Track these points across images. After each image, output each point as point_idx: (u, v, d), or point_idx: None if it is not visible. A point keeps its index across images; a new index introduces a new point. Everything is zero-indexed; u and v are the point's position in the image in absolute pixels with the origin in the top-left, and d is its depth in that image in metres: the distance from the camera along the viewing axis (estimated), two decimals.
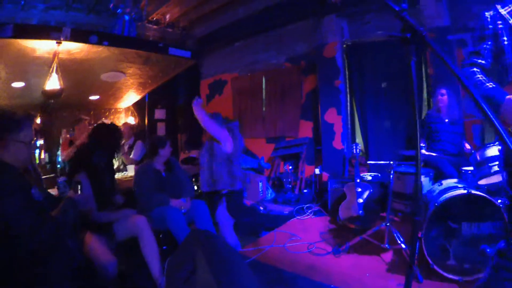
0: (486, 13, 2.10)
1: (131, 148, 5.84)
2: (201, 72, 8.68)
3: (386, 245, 3.50)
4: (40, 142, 6.42)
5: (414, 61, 1.42)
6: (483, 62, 2.14)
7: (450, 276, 2.86)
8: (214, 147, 4.07)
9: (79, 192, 2.40)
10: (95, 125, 3.69)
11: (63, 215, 2.22)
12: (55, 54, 5.08)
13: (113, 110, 8.36)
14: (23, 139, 2.10)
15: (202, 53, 8.09)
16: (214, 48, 8.14)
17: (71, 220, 2.31)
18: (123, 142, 5.72)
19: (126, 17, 5.15)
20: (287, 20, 6.72)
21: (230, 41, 7.85)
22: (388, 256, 3.55)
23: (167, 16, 6.88)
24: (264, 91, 7.28)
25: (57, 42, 4.88)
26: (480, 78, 2.09)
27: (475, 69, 2.15)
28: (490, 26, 2.08)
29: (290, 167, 6.31)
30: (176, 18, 7.03)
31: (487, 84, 2.03)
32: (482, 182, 3.23)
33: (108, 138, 3.31)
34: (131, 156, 5.61)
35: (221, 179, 3.99)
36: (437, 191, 3.48)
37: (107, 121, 7.45)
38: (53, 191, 3.68)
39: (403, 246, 3.35)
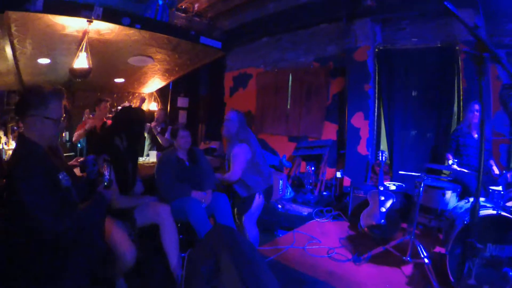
0: None
1: (163, 130, 5.88)
2: (226, 64, 8.56)
3: (408, 258, 3.39)
4: None
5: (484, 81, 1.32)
6: None
7: None
8: None
9: (107, 171, 2.31)
10: (119, 107, 3.60)
11: (91, 209, 2.10)
12: (85, 33, 5.06)
13: (136, 94, 8.38)
14: (50, 116, 1.98)
15: (228, 46, 8.01)
16: (240, 41, 8.00)
17: (100, 215, 2.23)
18: (155, 124, 5.76)
19: (160, 2, 5.09)
20: (318, 20, 6.56)
21: (258, 36, 7.69)
22: (408, 269, 3.46)
23: (196, 5, 6.81)
24: (289, 88, 7.15)
25: (88, 21, 4.84)
26: None
27: None
28: None
29: (313, 168, 6.21)
30: (205, 8, 6.96)
31: None
32: (509, 203, 3.17)
33: (132, 122, 3.18)
34: (165, 136, 5.66)
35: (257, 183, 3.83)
36: (463, 208, 3.39)
37: (134, 105, 7.49)
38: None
39: (426, 261, 3.22)
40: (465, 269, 2.77)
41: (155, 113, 6.37)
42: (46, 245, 1.87)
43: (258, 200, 3.75)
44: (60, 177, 1.97)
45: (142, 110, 3.56)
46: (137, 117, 3.27)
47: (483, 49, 1.27)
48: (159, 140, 5.80)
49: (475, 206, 1.52)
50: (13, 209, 1.89)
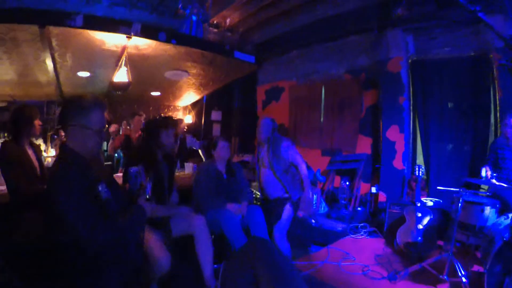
0: None
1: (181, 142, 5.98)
2: (258, 78, 8.60)
3: (445, 277, 3.23)
4: None
5: None
6: None
7: None
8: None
9: (149, 184, 2.34)
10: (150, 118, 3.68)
11: (131, 222, 2.09)
12: (124, 48, 5.24)
13: (171, 107, 8.60)
14: (92, 126, 1.98)
15: (260, 59, 8.06)
16: (272, 54, 8.04)
17: (140, 228, 2.21)
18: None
19: (194, 18, 5.21)
20: (349, 31, 6.51)
21: (289, 49, 7.72)
22: None
23: (228, 20, 6.91)
24: (322, 101, 7.11)
25: (127, 37, 5.01)
26: None
27: None
28: None
29: (347, 183, 6.12)
30: (236, 23, 7.05)
31: None
32: None
33: (160, 132, 3.26)
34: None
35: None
36: (503, 224, 3.27)
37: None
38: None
39: (463, 280, 3.10)
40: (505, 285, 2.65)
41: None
42: (83, 255, 1.86)
43: (288, 210, 3.85)
44: (100, 188, 1.97)
45: (171, 118, 3.59)
46: (163, 125, 3.31)
47: None
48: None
49: None
50: (52, 217, 1.89)
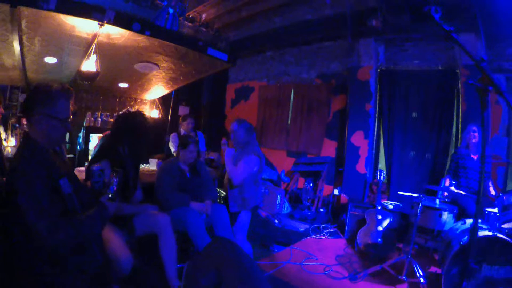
0: None
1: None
2: (229, 76, 8.60)
3: (404, 277, 3.41)
4: None
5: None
6: None
7: None
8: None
9: (113, 182, 2.26)
10: (119, 112, 3.51)
11: (92, 220, 1.97)
12: (95, 36, 5.07)
13: (139, 100, 8.39)
14: (57, 115, 1.89)
15: (232, 57, 8.03)
16: (245, 54, 8.04)
17: (100, 227, 2.10)
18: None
19: (171, 10, 5.11)
20: (322, 37, 6.64)
21: (262, 49, 7.77)
22: None
23: (203, 15, 6.84)
24: (291, 104, 7.21)
25: (99, 24, 4.85)
26: None
27: None
28: None
29: (311, 184, 6.22)
30: (212, 19, 6.98)
31: None
32: (505, 226, 3.23)
33: (130, 126, 3.10)
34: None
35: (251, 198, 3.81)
36: (460, 229, 3.43)
37: (133, 109, 7.46)
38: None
39: (421, 280, 3.26)
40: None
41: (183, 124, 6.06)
42: (43, 251, 1.78)
43: (245, 216, 3.78)
44: (61, 183, 1.86)
45: (142, 114, 3.44)
46: (137, 121, 3.17)
47: (487, 82, 1.31)
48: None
49: (474, 227, 1.54)
50: (12, 209, 1.77)
